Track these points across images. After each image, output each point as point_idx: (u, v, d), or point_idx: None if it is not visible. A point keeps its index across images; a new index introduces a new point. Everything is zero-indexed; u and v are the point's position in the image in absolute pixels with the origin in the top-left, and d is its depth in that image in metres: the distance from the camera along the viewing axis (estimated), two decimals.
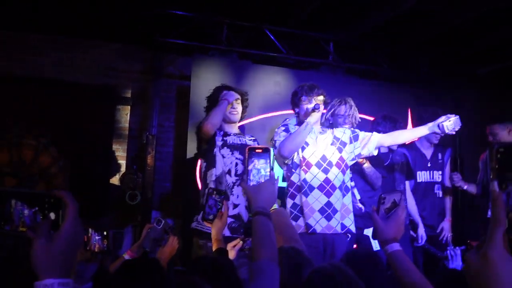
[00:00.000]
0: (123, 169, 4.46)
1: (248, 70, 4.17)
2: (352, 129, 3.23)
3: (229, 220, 2.76)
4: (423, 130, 3.05)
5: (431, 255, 3.66)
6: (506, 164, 0.75)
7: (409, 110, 4.38)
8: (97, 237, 1.79)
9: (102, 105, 4.41)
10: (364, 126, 3.75)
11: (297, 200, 2.95)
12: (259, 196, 1.42)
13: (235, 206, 2.99)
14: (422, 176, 3.86)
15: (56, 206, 0.94)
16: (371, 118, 4.30)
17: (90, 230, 1.80)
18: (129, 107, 4.58)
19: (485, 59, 4.56)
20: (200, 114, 3.79)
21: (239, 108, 3.20)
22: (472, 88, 4.81)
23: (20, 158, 2.83)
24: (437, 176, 3.89)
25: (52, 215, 0.94)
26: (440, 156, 3.95)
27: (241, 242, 2.44)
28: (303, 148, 3.00)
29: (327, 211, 2.93)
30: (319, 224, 2.90)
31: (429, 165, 3.89)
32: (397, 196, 1.48)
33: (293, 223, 2.88)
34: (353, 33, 4.33)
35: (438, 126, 2.94)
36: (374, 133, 3.18)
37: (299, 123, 3.12)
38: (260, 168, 1.46)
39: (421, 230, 3.67)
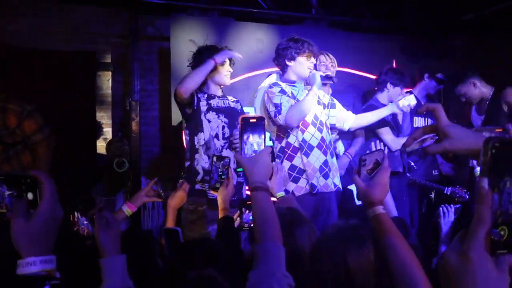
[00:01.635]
0: (109, 136, 4.42)
1: (229, 28, 4.05)
2: (330, 96, 3.25)
3: None
4: (385, 111, 3.20)
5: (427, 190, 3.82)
6: (500, 163, 0.65)
7: (394, 61, 4.33)
8: (85, 222, 1.75)
9: (82, 72, 4.28)
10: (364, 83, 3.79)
11: (295, 162, 2.91)
12: (256, 170, 1.32)
13: None
14: (418, 121, 3.96)
15: (33, 186, 0.96)
16: (357, 72, 4.28)
17: (76, 213, 1.76)
18: (110, 72, 4.48)
19: (470, 4, 4.48)
20: (183, 76, 3.73)
21: (231, 70, 3.07)
22: (459, 35, 4.76)
23: (5, 123, 2.77)
24: (430, 123, 3.99)
25: (30, 195, 0.96)
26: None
27: (238, 218, 2.32)
28: None
29: (325, 169, 2.95)
30: (319, 183, 2.92)
31: (425, 112, 3.96)
32: (379, 155, 1.37)
33: (293, 184, 2.88)
34: None
35: (397, 105, 3.10)
36: (350, 112, 3.23)
37: (288, 80, 3.02)
38: (254, 138, 1.37)
39: None
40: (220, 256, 1.54)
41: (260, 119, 1.38)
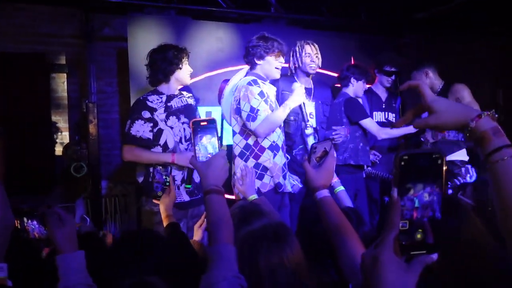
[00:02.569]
0: (66, 140, 4.27)
1: (187, 27, 4.00)
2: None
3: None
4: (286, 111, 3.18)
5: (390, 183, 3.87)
6: (406, 174, 0.72)
7: (352, 58, 4.42)
8: (36, 225, 1.64)
9: (35, 75, 4.12)
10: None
11: (261, 160, 2.92)
12: (210, 173, 1.33)
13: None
14: (378, 116, 4.02)
15: None
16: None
17: (25, 219, 1.66)
18: (65, 74, 4.33)
19: (423, 3, 4.63)
20: (142, 77, 3.64)
21: (191, 70, 3.03)
22: (411, 33, 4.91)
23: None
24: (391, 117, 4.08)
25: None
26: (393, 101, 4.18)
27: (206, 220, 2.33)
28: (272, 108, 2.94)
29: (285, 170, 3.03)
30: (282, 183, 2.97)
31: (383, 106, 4.07)
32: (327, 144, 1.50)
33: (259, 182, 2.90)
34: None
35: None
36: None
37: (259, 76, 3.00)
38: (207, 141, 1.38)
39: None
40: (171, 244, 1.51)
41: (211, 121, 1.40)
